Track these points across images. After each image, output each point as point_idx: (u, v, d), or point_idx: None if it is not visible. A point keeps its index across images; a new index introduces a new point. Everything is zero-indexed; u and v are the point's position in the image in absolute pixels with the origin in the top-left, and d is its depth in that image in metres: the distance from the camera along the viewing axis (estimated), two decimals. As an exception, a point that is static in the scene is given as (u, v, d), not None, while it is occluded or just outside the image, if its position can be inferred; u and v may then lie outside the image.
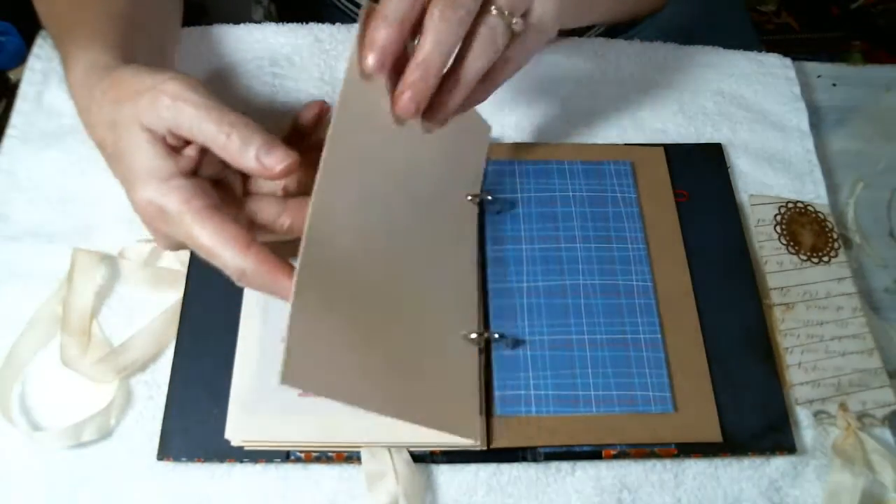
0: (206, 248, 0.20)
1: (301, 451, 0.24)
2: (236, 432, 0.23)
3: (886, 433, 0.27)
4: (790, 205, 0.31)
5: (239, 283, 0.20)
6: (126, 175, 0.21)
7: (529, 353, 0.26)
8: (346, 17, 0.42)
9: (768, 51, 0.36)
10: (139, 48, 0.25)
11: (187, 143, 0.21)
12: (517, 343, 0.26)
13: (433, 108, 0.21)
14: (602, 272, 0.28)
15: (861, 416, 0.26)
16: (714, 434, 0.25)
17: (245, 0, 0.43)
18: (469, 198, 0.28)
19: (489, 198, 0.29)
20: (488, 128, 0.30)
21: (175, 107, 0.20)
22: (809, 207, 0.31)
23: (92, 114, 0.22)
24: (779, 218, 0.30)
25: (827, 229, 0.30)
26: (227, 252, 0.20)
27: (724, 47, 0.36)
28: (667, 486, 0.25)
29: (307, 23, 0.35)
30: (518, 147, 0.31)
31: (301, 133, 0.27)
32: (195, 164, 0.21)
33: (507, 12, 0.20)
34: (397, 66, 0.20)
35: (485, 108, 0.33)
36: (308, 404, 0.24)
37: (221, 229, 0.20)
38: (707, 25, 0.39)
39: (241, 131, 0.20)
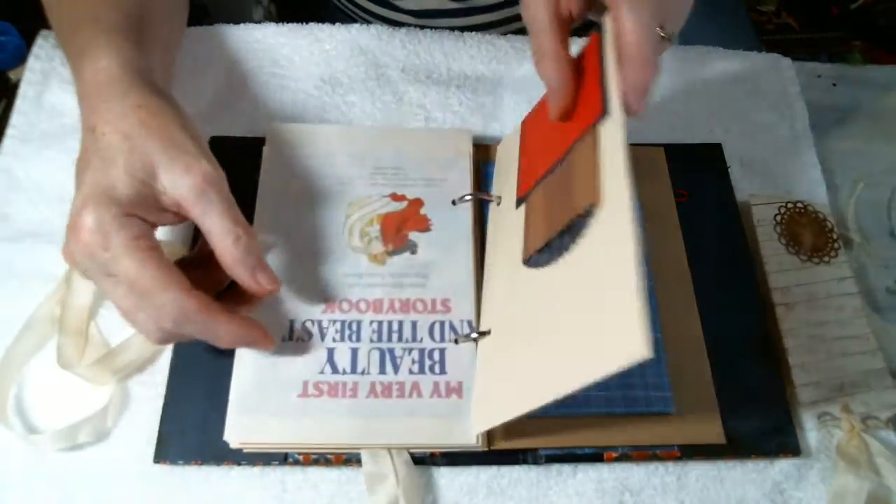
0: (148, 285, 0.19)
1: (299, 454, 0.24)
2: (235, 433, 0.23)
3: (891, 435, 0.26)
4: (790, 205, 0.30)
5: (174, 329, 0.20)
6: (97, 182, 0.20)
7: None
8: (346, 17, 0.42)
9: (768, 51, 0.36)
10: (152, 52, 0.25)
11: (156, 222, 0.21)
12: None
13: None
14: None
15: (865, 418, 0.26)
16: (717, 436, 0.24)
17: (245, 0, 0.43)
18: (467, 198, 0.28)
19: (489, 196, 0.29)
20: (468, 131, 0.30)
21: (203, 188, 0.20)
22: (809, 207, 0.31)
23: (104, 111, 0.21)
24: (779, 218, 0.30)
25: (827, 229, 0.30)
26: (171, 290, 0.20)
27: (724, 47, 0.36)
28: (669, 489, 0.25)
29: (307, 23, 0.35)
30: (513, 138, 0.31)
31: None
32: (159, 224, 0.21)
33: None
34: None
35: (486, 108, 0.33)
36: (307, 406, 0.24)
37: (167, 270, 0.20)
38: (707, 25, 0.39)
39: (250, 241, 0.21)
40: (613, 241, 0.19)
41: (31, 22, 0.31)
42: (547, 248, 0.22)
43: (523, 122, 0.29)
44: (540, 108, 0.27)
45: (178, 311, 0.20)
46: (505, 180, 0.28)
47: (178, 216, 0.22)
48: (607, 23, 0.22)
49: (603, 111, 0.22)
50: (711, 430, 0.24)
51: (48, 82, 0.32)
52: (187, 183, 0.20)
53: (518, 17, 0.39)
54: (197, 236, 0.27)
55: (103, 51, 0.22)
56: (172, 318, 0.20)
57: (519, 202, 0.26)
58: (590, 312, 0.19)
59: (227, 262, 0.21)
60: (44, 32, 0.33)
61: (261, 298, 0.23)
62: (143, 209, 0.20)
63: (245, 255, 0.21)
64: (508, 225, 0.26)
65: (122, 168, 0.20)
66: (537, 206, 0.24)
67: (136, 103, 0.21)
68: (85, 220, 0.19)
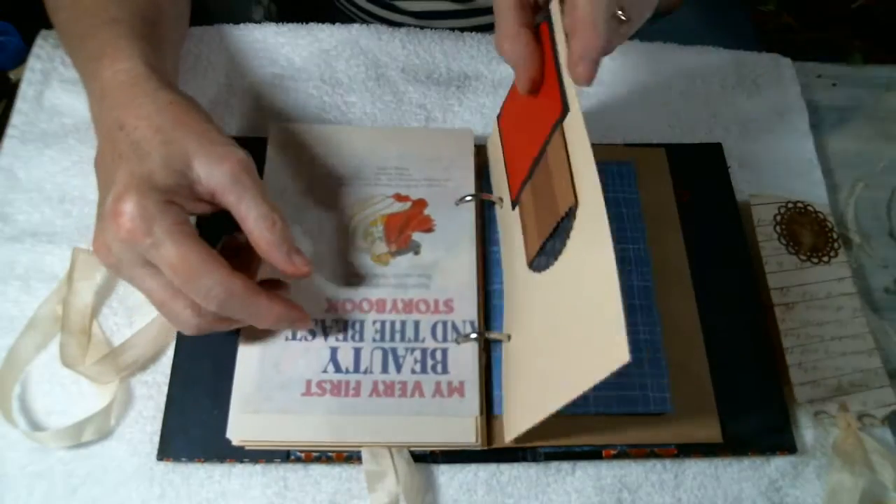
0: (195, 268, 0.20)
1: (301, 451, 0.24)
2: (238, 432, 0.24)
3: (887, 433, 0.27)
4: (790, 205, 0.31)
5: (218, 309, 0.20)
6: (133, 172, 0.20)
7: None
8: (346, 17, 0.42)
9: (768, 51, 0.36)
10: (166, 54, 0.25)
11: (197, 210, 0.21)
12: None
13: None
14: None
15: (861, 416, 0.26)
16: (714, 435, 0.25)
17: (245, 0, 0.43)
18: (468, 198, 0.28)
19: (489, 197, 0.29)
20: (470, 131, 0.30)
21: (238, 175, 0.21)
22: (809, 207, 0.31)
23: (135, 107, 0.21)
24: (779, 218, 0.30)
25: (827, 229, 0.30)
26: (217, 272, 0.20)
27: (724, 47, 0.36)
28: (667, 486, 0.25)
29: (307, 23, 0.35)
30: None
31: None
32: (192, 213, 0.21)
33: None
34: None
35: (486, 108, 0.33)
36: (309, 404, 0.24)
37: (210, 252, 0.20)
38: (707, 25, 0.39)
39: (285, 225, 0.21)
40: (591, 242, 0.19)
41: (31, 22, 0.31)
42: (542, 251, 0.22)
43: (498, 119, 0.29)
44: (510, 103, 0.27)
45: (225, 291, 0.20)
46: (500, 181, 0.28)
47: (212, 205, 0.22)
48: (555, 7, 0.22)
49: (563, 108, 0.22)
50: (709, 430, 0.25)
51: (48, 82, 0.32)
52: (223, 170, 0.21)
53: None
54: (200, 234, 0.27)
55: (125, 52, 0.22)
56: (219, 301, 0.20)
57: (514, 204, 0.26)
58: (579, 317, 0.19)
59: (262, 247, 0.21)
60: (44, 32, 0.33)
61: (287, 288, 0.23)
62: (181, 198, 0.21)
63: (281, 239, 0.21)
64: (511, 227, 0.26)
65: (157, 160, 0.20)
66: (528, 209, 0.24)
67: (169, 100, 0.22)
68: (126, 207, 0.19)
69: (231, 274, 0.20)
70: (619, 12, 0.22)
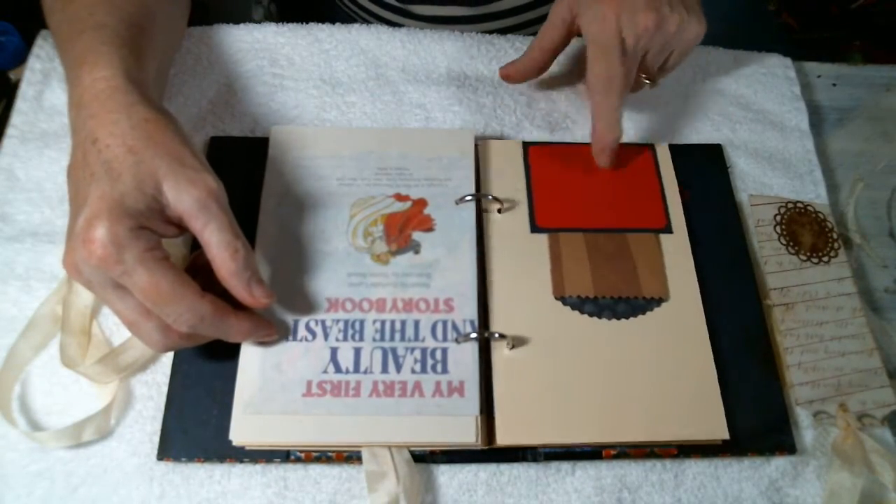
0: (165, 294, 0.20)
1: (301, 452, 0.24)
2: (240, 433, 0.24)
3: (886, 433, 0.27)
4: (790, 205, 0.31)
5: (189, 331, 0.21)
6: (104, 195, 0.20)
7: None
8: (346, 17, 0.42)
9: (768, 51, 0.36)
10: (150, 63, 0.25)
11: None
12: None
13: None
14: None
15: (861, 417, 0.26)
16: (720, 431, 0.24)
17: (245, 0, 0.43)
18: (468, 198, 0.28)
19: (489, 197, 0.29)
20: (470, 131, 0.30)
21: (206, 201, 0.21)
22: (809, 207, 0.31)
23: (109, 123, 0.21)
24: (779, 218, 0.30)
25: (827, 229, 0.30)
26: (187, 298, 0.20)
27: (725, 47, 0.36)
28: (667, 486, 0.25)
29: (307, 23, 0.35)
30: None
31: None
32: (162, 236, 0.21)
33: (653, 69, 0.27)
34: None
35: (486, 108, 0.33)
36: (310, 404, 0.24)
37: (181, 278, 0.20)
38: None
39: (247, 254, 0.22)
40: (686, 333, 0.26)
41: (31, 22, 0.31)
42: (593, 301, 0.26)
43: (528, 147, 0.31)
44: (553, 152, 0.31)
45: (195, 316, 0.20)
46: (505, 191, 0.29)
47: (179, 229, 0.22)
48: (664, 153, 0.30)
49: (666, 224, 0.29)
50: (715, 428, 0.24)
51: (48, 82, 0.32)
52: (191, 196, 0.21)
53: (531, 23, 0.39)
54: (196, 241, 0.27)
55: (105, 59, 0.22)
56: (189, 324, 0.20)
57: (536, 229, 0.28)
58: (670, 385, 0.25)
59: (223, 275, 0.22)
60: (44, 32, 0.33)
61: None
62: (152, 221, 0.21)
63: (242, 268, 0.21)
64: (520, 243, 0.28)
65: (129, 182, 0.20)
66: (577, 256, 0.27)
67: (144, 117, 0.21)
68: (98, 234, 0.19)
69: (201, 298, 0.21)
70: (644, 76, 0.26)
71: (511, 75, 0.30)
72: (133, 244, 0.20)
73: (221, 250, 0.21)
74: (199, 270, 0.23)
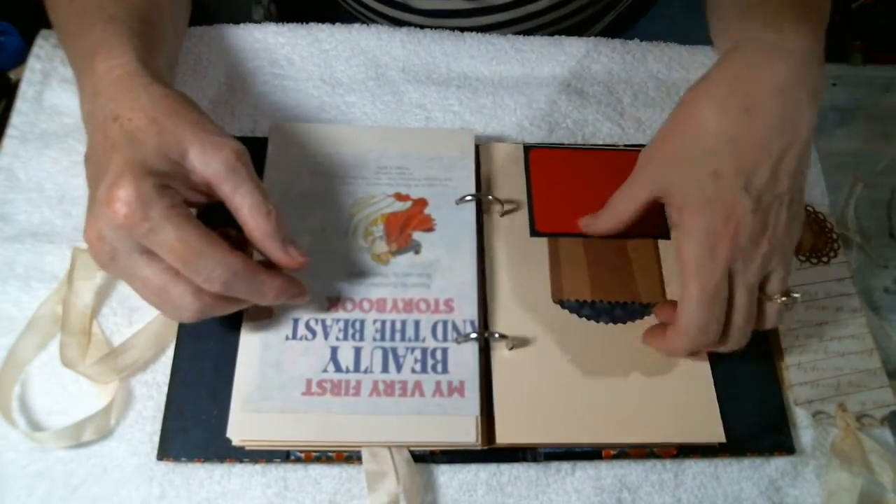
0: (196, 249, 0.19)
1: (301, 451, 0.24)
2: (238, 431, 0.24)
3: (886, 433, 0.27)
4: (790, 205, 0.31)
5: (222, 289, 0.20)
6: (128, 160, 0.19)
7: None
8: (346, 16, 0.42)
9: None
10: (160, 54, 0.25)
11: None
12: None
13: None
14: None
15: (860, 417, 0.26)
16: (717, 434, 0.25)
17: (245, 0, 0.43)
18: (469, 198, 0.28)
19: (489, 197, 0.29)
20: (471, 131, 0.30)
21: (235, 165, 0.21)
22: (809, 208, 0.31)
23: (130, 100, 0.21)
24: (779, 218, 0.30)
25: (827, 229, 0.30)
26: (218, 251, 0.20)
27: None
28: (667, 486, 0.25)
29: (307, 23, 0.35)
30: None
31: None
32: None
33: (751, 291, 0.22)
34: None
35: (486, 108, 0.33)
36: (310, 403, 0.24)
37: (209, 234, 0.20)
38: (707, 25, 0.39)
39: (280, 215, 0.21)
40: None
41: (31, 22, 0.31)
42: (590, 306, 0.27)
43: (528, 151, 0.30)
44: (554, 156, 0.30)
45: (227, 270, 0.20)
46: (506, 194, 0.29)
47: (207, 196, 0.22)
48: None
49: (668, 232, 0.28)
50: (711, 431, 0.25)
51: (48, 82, 0.32)
52: (219, 159, 0.20)
53: (530, 17, 0.38)
54: None
55: (119, 49, 0.22)
56: (222, 280, 0.20)
57: (536, 233, 0.28)
58: (667, 389, 0.25)
59: (257, 237, 0.21)
60: (44, 32, 0.33)
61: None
62: (176, 184, 0.21)
63: (276, 229, 0.21)
64: (519, 246, 0.28)
65: (152, 148, 0.20)
66: (575, 261, 0.28)
67: (162, 93, 0.21)
68: (121, 193, 0.19)
69: (231, 253, 0.20)
70: (760, 292, 0.22)
71: (590, 231, 0.27)
72: (158, 201, 0.19)
73: (255, 212, 0.21)
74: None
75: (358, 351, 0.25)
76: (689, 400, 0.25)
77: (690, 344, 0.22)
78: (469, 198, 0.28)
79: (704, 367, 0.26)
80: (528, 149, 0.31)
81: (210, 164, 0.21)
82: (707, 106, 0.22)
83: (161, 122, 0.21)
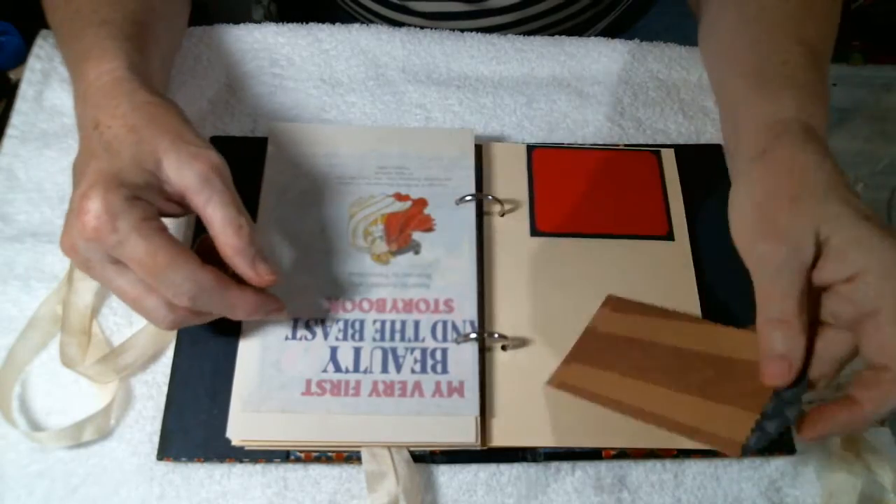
0: (162, 264, 0.19)
1: (301, 451, 0.24)
2: (237, 431, 0.24)
3: (885, 434, 0.27)
4: (790, 205, 0.30)
5: (190, 306, 0.20)
6: (101, 170, 0.19)
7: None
8: (346, 17, 0.42)
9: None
10: (153, 59, 0.25)
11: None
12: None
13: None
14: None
15: (860, 417, 0.26)
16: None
17: (245, 0, 0.43)
18: (468, 198, 0.28)
19: (489, 197, 0.29)
20: (471, 131, 0.30)
21: (208, 176, 0.20)
22: (809, 207, 0.31)
23: (111, 107, 0.21)
24: (779, 218, 0.30)
25: (827, 229, 0.30)
26: (185, 266, 0.19)
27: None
28: (667, 486, 0.25)
29: (307, 23, 0.35)
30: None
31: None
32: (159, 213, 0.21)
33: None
34: None
35: (486, 108, 0.33)
36: (309, 403, 0.24)
37: (179, 248, 0.20)
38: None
39: (252, 230, 0.21)
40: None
41: (31, 22, 0.31)
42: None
43: (531, 150, 0.30)
44: (556, 155, 0.30)
45: (194, 285, 0.20)
46: (507, 193, 0.29)
47: (182, 207, 0.22)
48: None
49: (668, 233, 0.28)
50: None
51: (48, 82, 0.32)
52: (194, 170, 0.20)
53: (529, 20, 0.38)
54: (196, 237, 0.27)
55: (110, 54, 0.22)
56: (190, 295, 0.20)
57: (536, 232, 0.28)
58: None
59: (227, 252, 0.21)
60: (44, 32, 0.33)
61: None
62: (149, 196, 0.20)
63: (247, 244, 0.21)
64: (520, 246, 0.28)
65: (128, 158, 0.20)
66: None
67: (146, 100, 0.21)
68: (91, 205, 0.19)
69: (201, 268, 0.20)
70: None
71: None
72: (128, 213, 0.19)
73: (225, 227, 0.20)
74: (204, 254, 0.22)
75: (357, 351, 0.25)
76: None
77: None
78: (469, 198, 0.28)
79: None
80: (531, 148, 0.31)
81: (184, 174, 0.20)
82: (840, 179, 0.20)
83: (140, 130, 0.20)
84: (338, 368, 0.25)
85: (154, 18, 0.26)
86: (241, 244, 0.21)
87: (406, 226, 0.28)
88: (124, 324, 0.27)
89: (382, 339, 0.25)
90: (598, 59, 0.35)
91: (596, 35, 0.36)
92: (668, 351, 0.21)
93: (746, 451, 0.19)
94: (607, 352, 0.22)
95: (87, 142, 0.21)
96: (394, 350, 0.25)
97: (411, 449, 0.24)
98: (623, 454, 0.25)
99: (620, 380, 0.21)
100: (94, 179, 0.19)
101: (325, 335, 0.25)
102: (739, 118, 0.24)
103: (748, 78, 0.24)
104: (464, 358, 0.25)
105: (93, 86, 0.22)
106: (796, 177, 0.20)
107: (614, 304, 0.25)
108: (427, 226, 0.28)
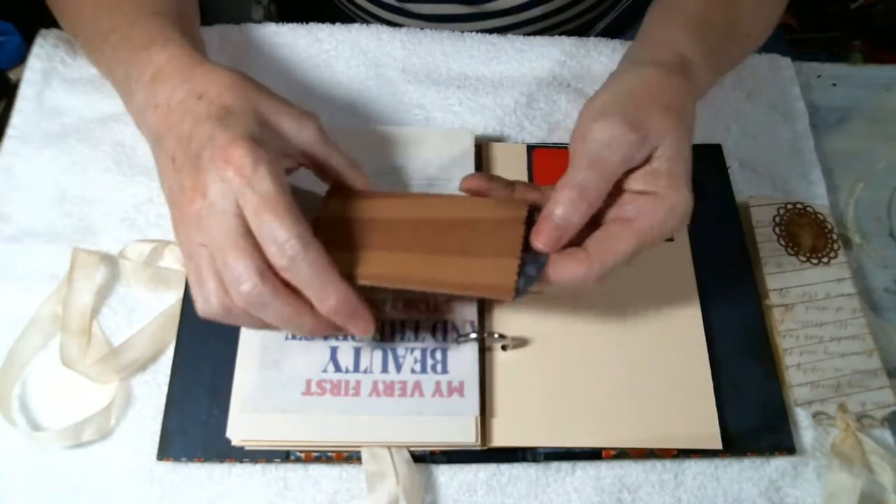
0: (283, 211, 0.19)
1: (301, 451, 0.24)
2: (237, 431, 0.24)
3: (886, 434, 0.27)
4: (789, 205, 0.31)
5: (285, 266, 0.19)
6: (235, 128, 0.20)
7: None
8: (346, 17, 0.42)
9: (767, 51, 0.36)
10: (200, 46, 0.26)
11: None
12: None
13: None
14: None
15: (860, 417, 0.26)
16: (713, 441, 0.25)
17: (245, 0, 0.43)
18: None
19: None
20: (470, 131, 0.30)
21: (322, 131, 0.23)
22: (809, 208, 0.31)
23: (212, 79, 0.22)
24: (778, 219, 0.30)
25: (827, 230, 0.30)
26: (302, 224, 0.19)
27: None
28: (667, 487, 0.25)
29: (307, 23, 0.35)
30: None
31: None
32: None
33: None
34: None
35: (486, 108, 0.33)
36: (309, 403, 0.24)
37: (297, 208, 0.20)
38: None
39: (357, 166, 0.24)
40: (687, 341, 0.26)
41: (31, 22, 0.31)
42: None
43: (532, 150, 0.30)
44: (557, 155, 0.30)
45: (301, 244, 0.19)
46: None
47: (298, 162, 0.23)
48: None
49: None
50: (708, 437, 0.25)
51: (48, 82, 0.32)
52: (311, 129, 0.22)
53: (529, 23, 0.38)
54: None
55: (176, 41, 0.23)
56: (293, 252, 0.19)
57: None
58: (666, 392, 0.24)
59: (359, 184, 0.24)
60: (44, 32, 0.33)
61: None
62: (276, 154, 0.21)
63: (365, 177, 0.24)
64: None
65: (252, 121, 0.21)
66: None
67: (234, 73, 0.22)
68: (238, 149, 0.19)
69: (313, 234, 0.20)
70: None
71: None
72: (268, 160, 0.20)
73: (349, 168, 0.23)
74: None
75: (357, 351, 0.25)
76: (687, 404, 0.25)
77: (593, 279, 0.21)
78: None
79: (704, 371, 0.26)
80: (531, 148, 0.31)
81: (304, 133, 0.22)
82: (687, 101, 0.23)
83: (249, 96, 0.21)
84: (338, 368, 0.25)
85: (190, 10, 0.28)
86: (363, 178, 0.24)
87: (406, 226, 0.28)
88: (124, 324, 0.27)
89: (382, 339, 0.25)
90: (598, 59, 0.35)
91: (596, 35, 0.36)
92: (413, 223, 0.22)
93: (518, 294, 0.20)
94: (350, 234, 0.22)
95: (186, 113, 0.21)
96: (394, 350, 0.25)
97: (411, 449, 0.24)
98: (623, 454, 0.25)
99: (380, 255, 0.21)
100: (233, 134, 0.20)
101: (325, 335, 0.25)
102: (648, 33, 0.27)
103: (674, 18, 0.27)
104: (464, 358, 0.25)
105: (169, 65, 0.22)
106: (676, 94, 0.23)
107: (337, 192, 0.24)
108: (427, 226, 0.28)
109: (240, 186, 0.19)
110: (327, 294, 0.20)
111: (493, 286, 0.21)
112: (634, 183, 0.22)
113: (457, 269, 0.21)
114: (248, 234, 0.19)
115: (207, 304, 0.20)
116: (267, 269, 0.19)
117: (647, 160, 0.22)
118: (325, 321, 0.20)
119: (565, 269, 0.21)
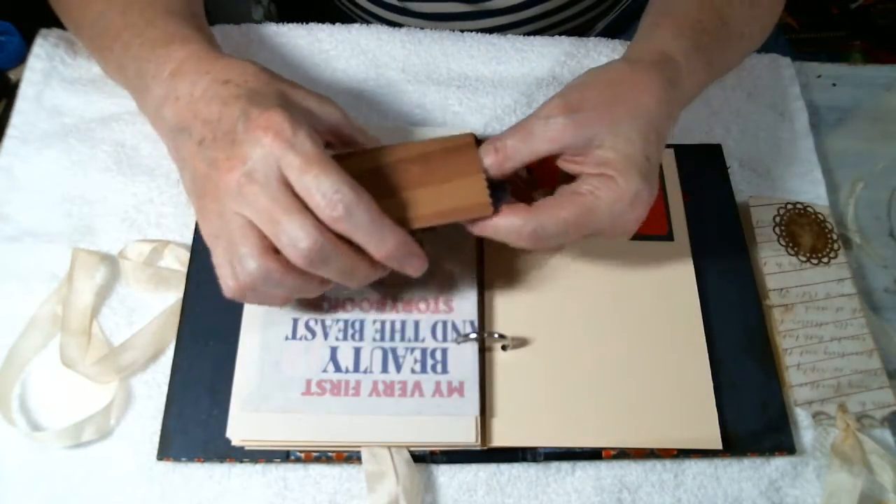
0: (328, 166, 0.19)
1: (301, 451, 0.24)
2: (237, 431, 0.24)
3: (886, 434, 0.27)
4: (790, 206, 0.31)
5: (342, 216, 0.19)
6: (268, 104, 0.20)
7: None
8: (346, 17, 0.42)
9: (767, 51, 0.36)
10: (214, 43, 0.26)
11: None
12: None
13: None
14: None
15: (860, 417, 0.26)
16: (713, 441, 0.25)
17: (245, 0, 0.43)
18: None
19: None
20: (469, 134, 0.30)
21: (344, 111, 0.24)
22: (809, 208, 0.31)
23: (236, 67, 0.22)
24: (778, 219, 0.30)
25: (827, 230, 0.30)
26: (347, 177, 0.19)
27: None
28: (667, 486, 0.25)
29: (307, 23, 0.35)
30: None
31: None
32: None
33: None
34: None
35: (486, 108, 0.33)
36: (309, 403, 0.24)
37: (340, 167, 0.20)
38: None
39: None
40: (687, 342, 0.26)
41: (31, 22, 0.31)
42: None
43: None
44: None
45: (353, 194, 0.19)
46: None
47: (325, 141, 0.23)
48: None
49: (668, 233, 0.28)
50: (709, 437, 0.25)
51: (48, 82, 0.32)
52: (335, 108, 0.23)
53: (529, 21, 0.38)
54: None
55: (195, 37, 0.24)
56: (345, 204, 0.19)
57: None
58: (666, 392, 0.25)
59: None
60: (43, 32, 0.33)
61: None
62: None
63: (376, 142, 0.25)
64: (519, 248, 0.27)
65: (280, 101, 0.21)
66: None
67: (252, 63, 0.23)
68: (275, 118, 0.20)
69: (360, 186, 0.20)
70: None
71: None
72: (306, 129, 0.20)
73: (376, 143, 0.25)
74: None
75: (357, 351, 0.25)
76: (687, 405, 0.25)
77: (526, 234, 0.22)
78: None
79: (704, 371, 0.26)
80: None
81: (331, 112, 0.23)
82: (651, 97, 0.23)
83: (273, 82, 0.22)
84: (338, 368, 0.25)
85: (199, 8, 0.28)
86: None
87: (406, 226, 0.28)
88: (124, 324, 0.27)
89: (382, 339, 0.25)
90: (598, 59, 0.35)
91: (596, 35, 0.36)
92: (374, 172, 0.22)
93: (496, 207, 0.22)
94: None
95: (214, 98, 0.21)
96: (394, 350, 0.25)
97: (411, 449, 0.24)
98: (623, 454, 0.25)
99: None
100: (267, 106, 0.20)
101: (325, 335, 0.25)
102: (639, 33, 0.27)
103: (664, 18, 0.27)
104: (464, 358, 0.25)
105: (190, 59, 0.23)
106: (636, 89, 0.23)
107: None
108: (427, 226, 0.28)
109: (281, 150, 0.19)
110: (384, 237, 0.20)
111: (470, 207, 0.21)
112: (588, 167, 0.22)
113: (431, 199, 0.21)
114: (295, 195, 0.20)
115: (237, 280, 0.20)
116: (321, 224, 0.20)
117: (596, 147, 0.22)
118: (379, 267, 0.21)
119: (505, 218, 0.22)
